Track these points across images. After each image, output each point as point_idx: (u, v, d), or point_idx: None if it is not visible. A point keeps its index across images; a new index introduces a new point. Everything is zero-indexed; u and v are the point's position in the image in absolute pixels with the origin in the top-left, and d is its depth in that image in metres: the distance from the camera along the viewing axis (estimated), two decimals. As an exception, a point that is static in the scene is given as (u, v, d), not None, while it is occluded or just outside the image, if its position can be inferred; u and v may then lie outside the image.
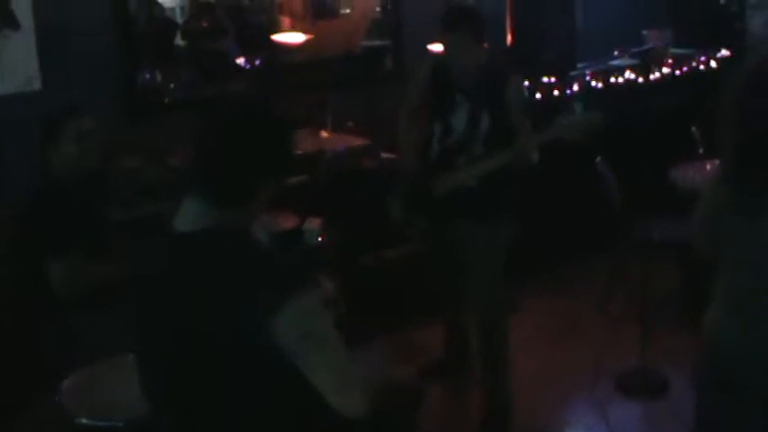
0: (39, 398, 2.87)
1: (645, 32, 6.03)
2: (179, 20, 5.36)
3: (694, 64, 6.08)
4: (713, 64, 6.13)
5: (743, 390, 2.36)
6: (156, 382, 2.03)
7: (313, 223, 4.17)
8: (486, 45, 3.76)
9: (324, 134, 4.10)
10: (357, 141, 4.72)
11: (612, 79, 5.63)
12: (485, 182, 3.65)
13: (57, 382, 2.74)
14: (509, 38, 5.40)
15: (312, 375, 1.85)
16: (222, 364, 1.87)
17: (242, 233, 1.94)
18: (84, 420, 2.56)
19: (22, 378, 3.30)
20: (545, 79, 5.31)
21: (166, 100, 4.86)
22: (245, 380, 1.88)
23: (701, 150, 4.82)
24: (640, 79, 5.74)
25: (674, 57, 6.02)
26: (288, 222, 3.88)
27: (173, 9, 5.35)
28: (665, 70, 5.90)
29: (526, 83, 5.15)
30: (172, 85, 5.00)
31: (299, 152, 4.13)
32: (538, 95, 5.24)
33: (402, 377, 4.23)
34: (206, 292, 1.86)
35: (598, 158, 4.33)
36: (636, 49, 5.89)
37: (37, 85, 4.21)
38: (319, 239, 3.90)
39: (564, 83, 5.37)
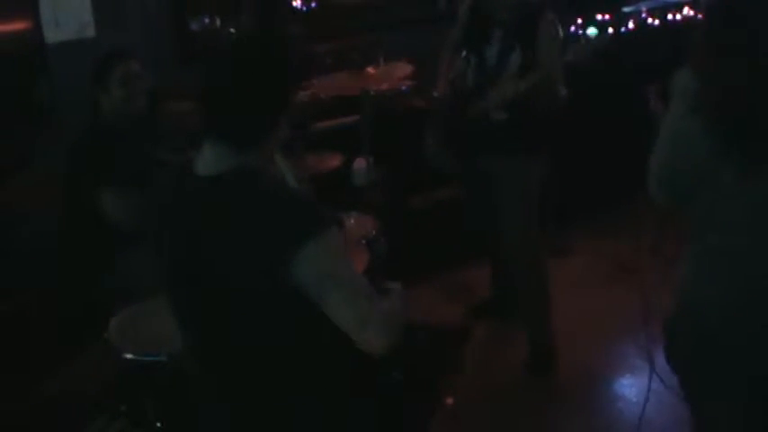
0: (96, 338, 2.94)
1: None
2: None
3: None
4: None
5: (727, 348, 2.26)
6: (184, 321, 2.10)
7: (360, 163, 4.20)
8: None
9: (370, 71, 4.08)
10: (405, 81, 4.66)
11: (669, 16, 5.45)
12: (514, 116, 3.62)
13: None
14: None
15: (333, 315, 1.89)
16: (245, 305, 1.92)
17: (259, 175, 1.96)
18: (129, 356, 2.66)
19: (80, 320, 3.37)
20: (599, 17, 5.18)
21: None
22: (268, 318, 1.93)
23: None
24: (699, 16, 5.57)
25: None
26: (333, 162, 3.91)
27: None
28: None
29: (579, 20, 5.06)
30: (231, 30, 5.03)
31: (344, 93, 4.14)
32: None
33: (449, 316, 4.30)
34: (227, 235, 1.91)
35: (651, 96, 4.24)
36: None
37: (91, 32, 4.25)
38: (366, 180, 3.92)
39: (618, 20, 5.24)
